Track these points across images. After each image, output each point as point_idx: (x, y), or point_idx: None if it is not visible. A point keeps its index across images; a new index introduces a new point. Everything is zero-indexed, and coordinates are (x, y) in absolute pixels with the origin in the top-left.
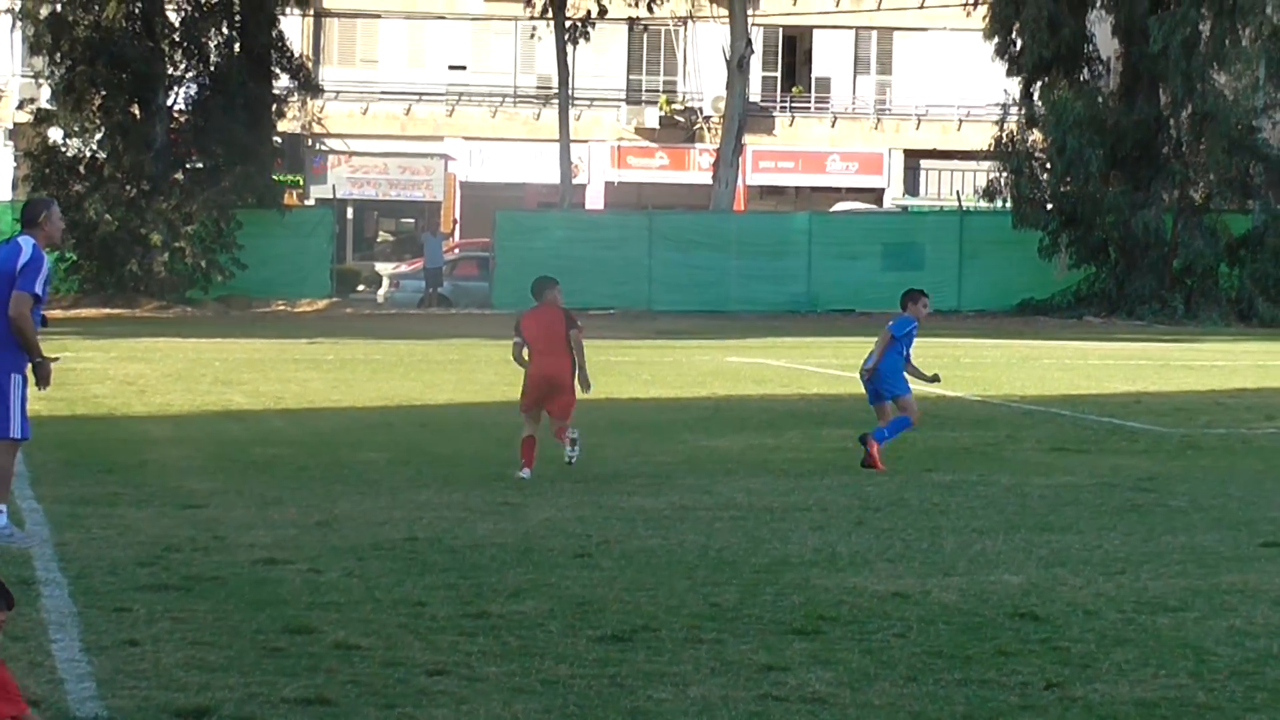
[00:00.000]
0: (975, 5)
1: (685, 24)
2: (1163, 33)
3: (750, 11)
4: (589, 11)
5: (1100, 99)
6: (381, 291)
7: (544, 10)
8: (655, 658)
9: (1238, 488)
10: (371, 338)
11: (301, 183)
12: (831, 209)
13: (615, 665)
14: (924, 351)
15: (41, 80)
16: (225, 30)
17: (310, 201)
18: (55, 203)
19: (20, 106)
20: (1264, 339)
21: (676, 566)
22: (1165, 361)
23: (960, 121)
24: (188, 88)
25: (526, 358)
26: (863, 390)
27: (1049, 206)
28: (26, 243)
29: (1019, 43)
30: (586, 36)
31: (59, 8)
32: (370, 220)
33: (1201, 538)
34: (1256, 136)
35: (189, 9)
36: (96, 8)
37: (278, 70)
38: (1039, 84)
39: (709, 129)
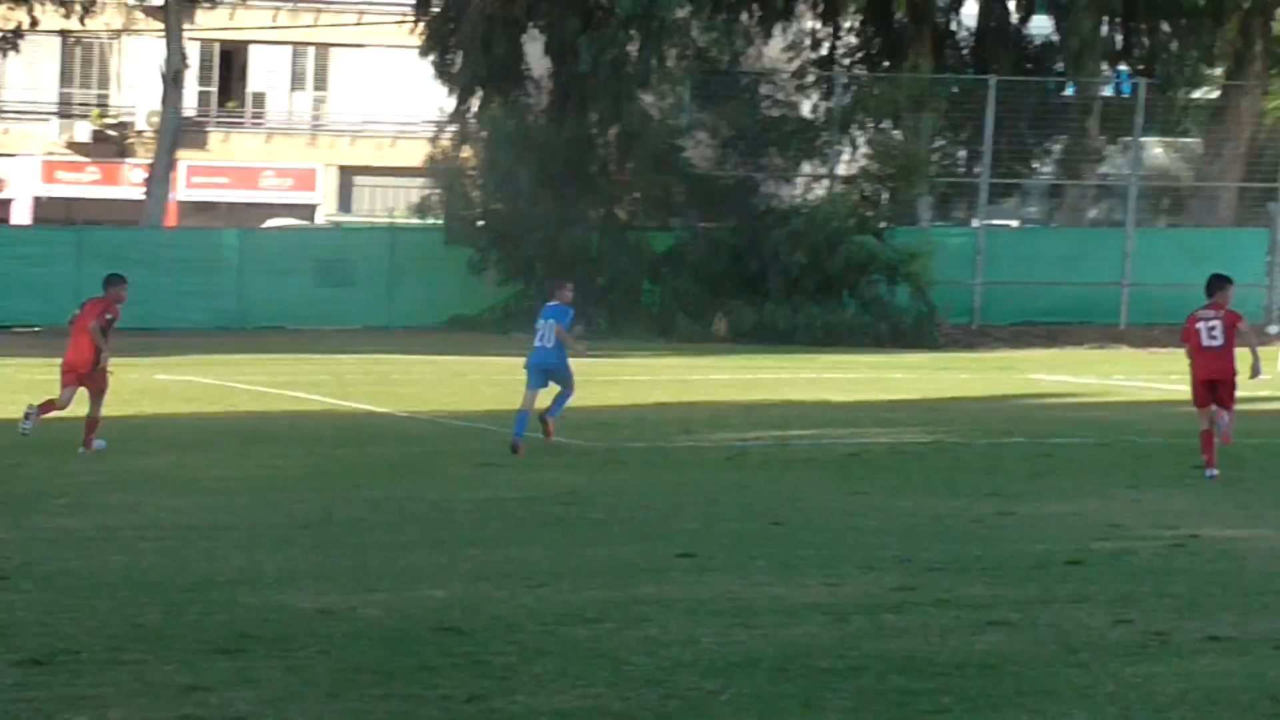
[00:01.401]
0: (416, 23)
1: (119, 37)
2: (592, 53)
3: (186, 26)
4: (19, 23)
5: (532, 117)
6: None
7: None
8: (75, 680)
9: (656, 500)
10: None
11: None
12: (264, 225)
13: (34, 689)
14: (354, 368)
15: None
16: None
17: None
18: None
19: None
20: (684, 354)
21: (99, 588)
22: (589, 377)
23: (395, 138)
24: None
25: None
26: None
27: (480, 224)
28: None
29: (456, 60)
30: (16, 48)
31: None
32: None
33: (620, 550)
34: (679, 156)
35: None
36: None
37: None
38: (473, 102)
39: (142, 143)
